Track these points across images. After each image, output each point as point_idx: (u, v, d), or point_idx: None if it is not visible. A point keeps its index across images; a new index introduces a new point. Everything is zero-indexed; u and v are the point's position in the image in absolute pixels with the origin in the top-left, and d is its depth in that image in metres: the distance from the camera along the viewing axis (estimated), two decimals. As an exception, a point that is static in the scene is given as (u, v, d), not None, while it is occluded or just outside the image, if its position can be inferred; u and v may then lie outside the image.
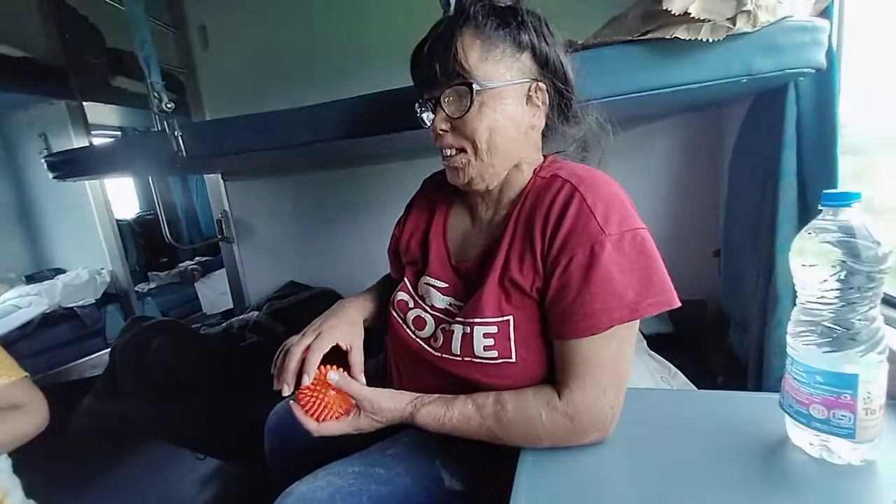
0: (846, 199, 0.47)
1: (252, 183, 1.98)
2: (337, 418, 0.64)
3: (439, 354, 0.64)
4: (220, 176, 1.98)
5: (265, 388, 1.25)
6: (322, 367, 0.64)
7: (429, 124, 0.63)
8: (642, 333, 1.28)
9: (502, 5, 0.60)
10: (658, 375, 1.06)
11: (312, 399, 0.63)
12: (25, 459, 0.91)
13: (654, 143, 1.42)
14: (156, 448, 1.70)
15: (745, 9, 0.62)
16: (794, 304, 0.77)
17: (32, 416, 0.82)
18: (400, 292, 0.74)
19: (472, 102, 0.57)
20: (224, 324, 1.74)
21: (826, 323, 0.49)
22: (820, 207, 0.50)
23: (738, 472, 0.50)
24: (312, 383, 0.63)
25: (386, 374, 0.79)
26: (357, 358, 0.70)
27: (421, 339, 0.68)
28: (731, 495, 0.47)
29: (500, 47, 0.58)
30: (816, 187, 0.80)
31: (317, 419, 0.63)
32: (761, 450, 0.54)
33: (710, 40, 0.64)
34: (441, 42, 0.59)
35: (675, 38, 0.65)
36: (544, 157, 0.67)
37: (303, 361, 0.65)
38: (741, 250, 1.09)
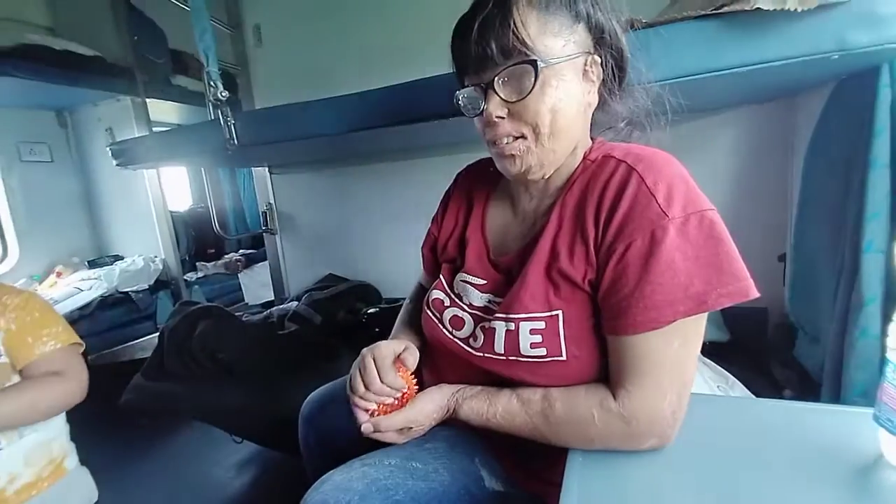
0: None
1: (297, 176, 2.03)
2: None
3: (481, 354, 0.60)
4: (266, 169, 2.04)
5: (301, 376, 1.26)
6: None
7: (475, 113, 0.58)
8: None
9: None
10: (714, 384, 0.97)
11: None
12: (79, 430, 0.95)
13: (715, 137, 1.32)
14: (196, 429, 1.76)
15: (840, -27, 0.55)
16: (883, 311, 0.69)
17: (68, 385, 0.82)
18: (435, 290, 0.71)
19: (535, 81, 0.52)
20: (265, 313, 1.78)
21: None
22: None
23: (822, 490, 0.43)
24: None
25: (423, 373, 0.77)
26: (412, 354, 0.66)
27: (459, 339, 0.65)
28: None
29: (557, 18, 0.53)
30: (915, 179, 0.71)
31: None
32: (849, 467, 0.47)
33: (799, 10, 0.57)
34: (494, 16, 0.52)
35: (758, 8, 0.59)
36: (592, 139, 0.63)
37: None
38: (815, 253, 0.99)
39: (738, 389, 0.96)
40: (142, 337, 2.39)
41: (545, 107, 0.54)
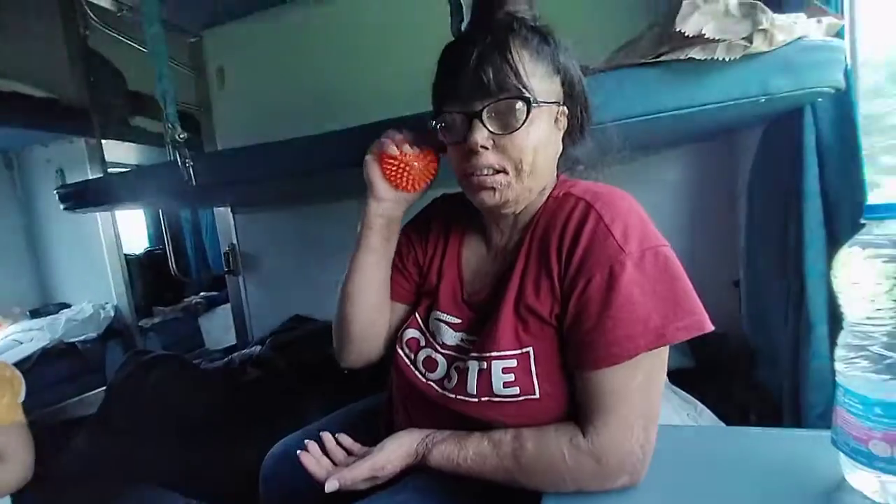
0: (893, 210, 0.43)
1: (260, 216, 1.99)
2: (420, 188, 0.65)
3: (453, 396, 0.59)
4: (229, 209, 2.00)
5: (264, 426, 1.19)
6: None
7: (455, 141, 0.57)
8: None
9: (538, 24, 0.57)
10: (683, 412, 0.99)
11: (396, 167, 0.63)
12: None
13: (664, 173, 1.41)
14: (143, 494, 1.60)
15: (761, 27, 0.61)
16: (831, 332, 0.72)
17: (4, 469, 0.79)
18: (410, 329, 0.69)
19: (527, 117, 0.53)
20: (225, 359, 1.69)
21: (880, 346, 0.44)
22: (863, 221, 0.46)
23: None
24: (399, 154, 0.62)
25: (392, 413, 0.74)
26: None
27: (432, 381, 0.63)
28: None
29: (543, 65, 0.55)
30: (844, 207, 0.77)
31: (401, 188, 0.65)
32: (815, 493, 0.48)
33: (727, 59, 0.63)
34: (493, 48, 0.53)
35: (690, 58, 0.64)
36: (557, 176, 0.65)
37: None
38: (765, 279, 1.04)
39: (706, 416, 0.98)
40: (90, 391, 2.20)
41: (530, 144, 0.54)
